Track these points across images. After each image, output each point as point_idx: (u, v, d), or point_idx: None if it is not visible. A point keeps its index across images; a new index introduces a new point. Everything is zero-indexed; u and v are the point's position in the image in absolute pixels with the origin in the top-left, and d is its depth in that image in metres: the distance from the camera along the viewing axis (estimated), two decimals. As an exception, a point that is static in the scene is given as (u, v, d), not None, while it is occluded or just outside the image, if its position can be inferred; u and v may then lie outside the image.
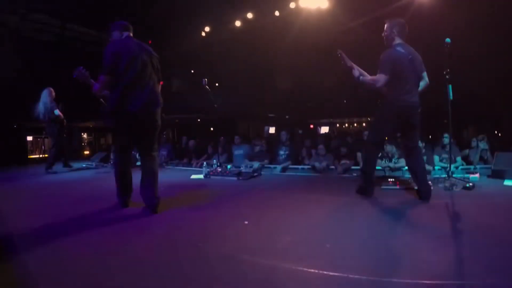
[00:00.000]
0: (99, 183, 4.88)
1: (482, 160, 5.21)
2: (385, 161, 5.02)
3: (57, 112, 5.72)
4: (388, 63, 3.08)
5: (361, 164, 4.67)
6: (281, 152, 6.14)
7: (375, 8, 6.15)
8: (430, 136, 6.83)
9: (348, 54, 3.38)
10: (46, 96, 5.74)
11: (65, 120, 5.94)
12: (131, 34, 3.01)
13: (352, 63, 3.30)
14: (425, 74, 3.29)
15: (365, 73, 3.29)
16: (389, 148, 4.99)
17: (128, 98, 2.73)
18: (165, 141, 8.06)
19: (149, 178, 2.87)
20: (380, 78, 3.09)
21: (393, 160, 4.97)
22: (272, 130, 17.39)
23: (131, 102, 2.72)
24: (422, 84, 3.29)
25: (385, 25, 3.30)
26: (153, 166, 2.91)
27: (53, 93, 5.83)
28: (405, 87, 3.12)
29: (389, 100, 3.19)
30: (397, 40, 3.24)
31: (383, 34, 3.32)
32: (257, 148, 6.44)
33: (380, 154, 5.02)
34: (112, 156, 6.13)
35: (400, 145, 4.56)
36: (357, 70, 3.28)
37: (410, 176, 3.56)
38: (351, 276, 1.55)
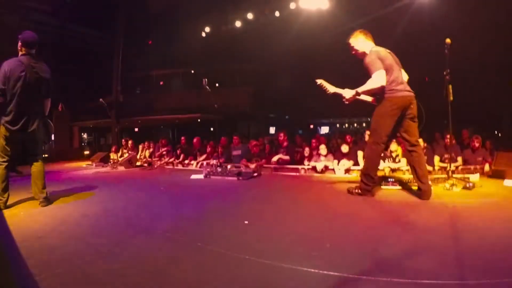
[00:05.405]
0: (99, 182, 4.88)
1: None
2: (387, 161, 5.00)
3: None
4: (376, 60, 3.11)
5: (361, 164, 4.66)
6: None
7: (376, 8, 6.17)
8: (430, 136, 6.82)
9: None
10: None
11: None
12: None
13: (336, 88, 3.30)
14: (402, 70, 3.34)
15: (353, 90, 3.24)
16: (394, 147, 4.96)
17: None
18: (166, 142, 8.06)
19: None
20: (378, 75, 3.08)
21: (396, 160, 4.96)
22: (272, 130, 17.40)
23: None
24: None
25: (350, 44, 3.35)
26: None
27: None
28: (397, 79, 3.15)
29: (386, 94, 3.17)
30: (370, 45, 3.29)
31: (353, 52, 3.36)
32: (256, 149, 6.42)
33: (383, 154, 5.03)
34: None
35: (401, 144, 4.55)
36: (346, 91, 3.25)
37: (410, 176, 3.55)
38: (350, 276, 1.55)
